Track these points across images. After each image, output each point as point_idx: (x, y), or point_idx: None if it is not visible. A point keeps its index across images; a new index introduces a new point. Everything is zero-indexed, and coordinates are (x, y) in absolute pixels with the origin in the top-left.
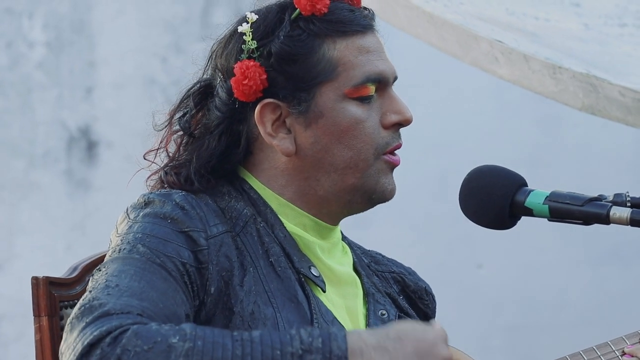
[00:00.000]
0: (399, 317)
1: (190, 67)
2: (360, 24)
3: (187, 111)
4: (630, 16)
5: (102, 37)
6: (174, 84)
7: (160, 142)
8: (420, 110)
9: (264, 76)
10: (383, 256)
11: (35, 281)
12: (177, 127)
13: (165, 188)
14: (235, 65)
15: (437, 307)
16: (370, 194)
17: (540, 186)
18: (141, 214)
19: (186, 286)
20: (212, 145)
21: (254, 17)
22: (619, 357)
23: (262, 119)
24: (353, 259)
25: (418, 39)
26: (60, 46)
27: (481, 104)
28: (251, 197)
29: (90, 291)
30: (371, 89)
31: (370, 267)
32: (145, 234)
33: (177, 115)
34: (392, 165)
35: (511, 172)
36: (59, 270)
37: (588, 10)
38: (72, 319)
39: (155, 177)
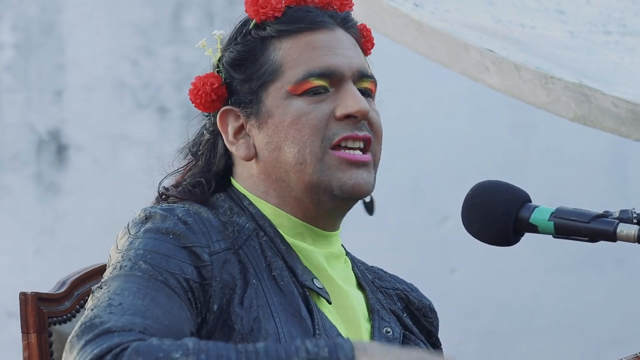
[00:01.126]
0: (404, 336)
1: (160, 70)
2: (310, 21)
3: (197, 137)
4: (614, 23)
5: (72, 40)
6: (144, 87)
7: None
8: (393, 115)
9: (217, 85)
10: (385, 272)
11: (24, 297)
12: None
13: (166, 202)
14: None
15: None
16: (330, 191)
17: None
18: (142, 229)
19: (190, 303)
20: (202, 162)
21: (220, 33)
22: None
23: (224, 128)
24: (356, 274)
25: (405, 47)
26: (29, 48)
27: (455, 109)
28: (251, 212)
29: (92, 309)
30: (316, 83)
31: (375, 283)
32: (147, 250)
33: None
34: (346, 161)
35: (515, 187)
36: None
37: (572, 17)
38: (72, 337)
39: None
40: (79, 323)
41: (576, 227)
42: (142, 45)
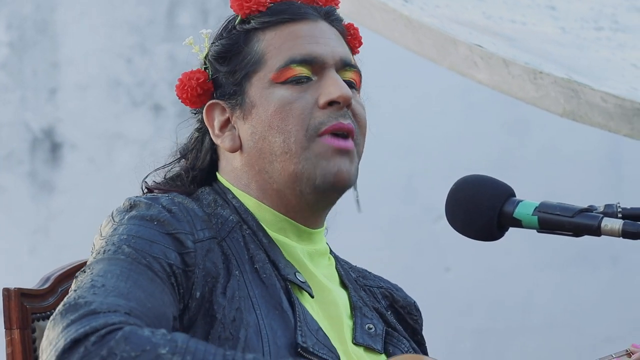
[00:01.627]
0: (387, 332)
1: (155, 68)
2: (292, 12)
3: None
4: (606, 19)
5: (66, 38)
6: (138, 85)
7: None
8: (386, 112)
9: (202, 79)
10: (370, 272)
11: (7, 293)
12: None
13: (151, 191)
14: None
15: None
16: (313, 181)
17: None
18: (126, 216)
19: (173, 288)
20: (191, 158)
21: (207, 32)
22: None
23: (210, 122)
24: (339, 271)
25: (394, 43)
26: (23, 47)
27: (448, 106)
28: (234, 205)
29: (74, 290)
30: (298, 70)
31: (358, 281)
32: (131, 235)
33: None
34: (334, 148)
35: (499, 182)
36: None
37: (564, 13)
38: (55, 315)
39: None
40: (62, 302)
41: (560, 221)
42: (136, 43)
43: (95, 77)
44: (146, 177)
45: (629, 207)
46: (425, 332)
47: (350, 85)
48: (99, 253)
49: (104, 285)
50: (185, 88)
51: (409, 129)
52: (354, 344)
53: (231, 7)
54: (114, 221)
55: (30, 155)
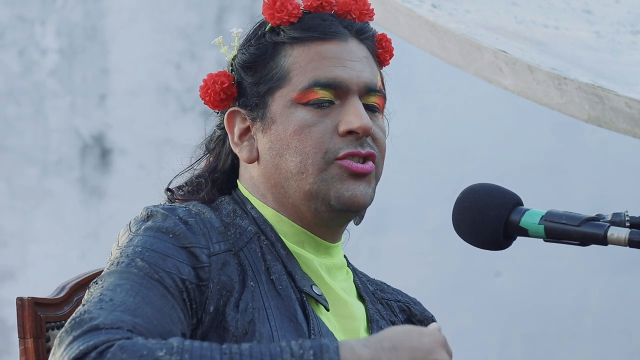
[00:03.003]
0: None
1: (204, 73)
2: (323, 31)
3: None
4: None
5: (115, 44)
6: (188, 91)
7: (195, 162)
8: (435, 117)
9: (227, 84)
10: (388, 286)
11: (20, 302)
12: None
13: (170, 201)
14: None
15: (454, 315)
16: (327, 201)
17: (556, 193)
18: (143, 227)
19: (184, 304)
20: (211, 160)
21: (238, 31)
22: None
23: (230, 128)
24: (357, 284)
25: (420, 49)
26: (73, 53)
27: (497, 110)
28: (253, 216)
29: (83, 304)
30: (321, 93)
31: (376, 294)
32: (145, 248)
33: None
34: (350, 171)
35: (506, 190)
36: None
37: (600, 17)
38: (62, 332)
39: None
40: (70, 317)
41: (566, 230)
42: (185, 49)
43: (144, 83)
44: (170, 182)
45: (637, 215)
46: (474, 337)
47: (373, 109)
48: (112, 264)
49: (111, 300)
50: (209, 92)
51: (458, 134)
52: None
53: (262, 14)
54: (131, 231)
55: (80, 161)
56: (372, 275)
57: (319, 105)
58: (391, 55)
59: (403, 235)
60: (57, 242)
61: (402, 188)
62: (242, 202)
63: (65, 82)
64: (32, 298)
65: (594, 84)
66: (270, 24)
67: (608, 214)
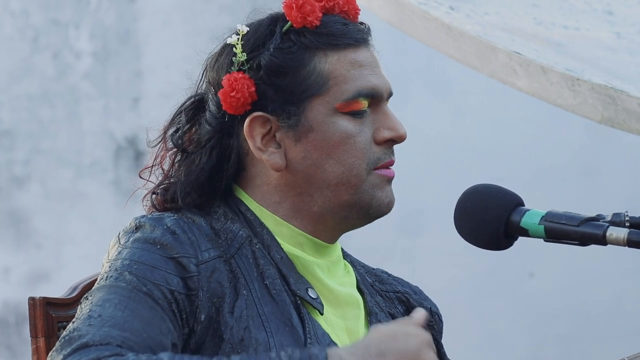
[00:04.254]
0: None
1: None
2: (353, 37)
3: (180, 127)
4: None
5: (149, 47)
6: None
7: (155, 159)
8: (470, 119)
9: (253, 89)
10: (389, 275)
11: (32, 302)
12: (171, 144)
13: (155, 209)
14: (224, 78)
15: (488, 317)
16: (366, 210)
17: (590, 194)
18: (131, 239)
19: (174, 314)
20: (203, 161)
21: (245, 29)
22: None
23: (252, 133)
24: (356, 277)
25: (437, 50)
26: (106, 56)
27: (532, 110)
28: (247, 218)
29: (73, 322)
30: (363, 103)
31: (374, 286)
32: (133, 261)
33: (171, 131)
34: (387, 178)
35: (507, 191)
36: None
37: (621, 18)
38: (53, 351)
39: (149, 197)
40: (62, 335)
41: (566, 230)
42: None
43: (177, 86)
44: (150, 193)
45: (637, 215)
46: (508, 339)
47: None
48: (102, 278)
49: (100, 315)
50: (237, 96)
51: (492, 134)
52: None
53: (288, 16)
54: (120, 243)
55: (114, 163)
56: (405, 277)
57: (358, 114)
58: None
59: (437, 237)
60: (91, 244)
61: (436, 190)
62: (235, 204)
63: (99, 85)
64: (44, 298)
65: (606, 85)
66: (289, 25)
67: (609, 214)
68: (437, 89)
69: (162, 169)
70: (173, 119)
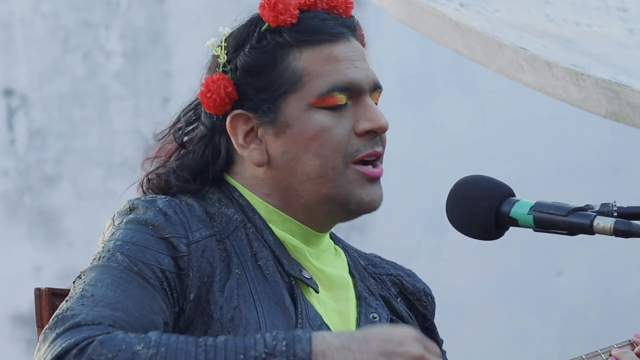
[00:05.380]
0: (391, 320)
1: None
2: (329, 32)
3: (182, 126)
4: None
5: (178, 47)
6: None
7: (158, 151)
8: (496, 116)
9: (230, 88)
10: (382, 259)
11: (38, 292)
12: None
13: (149, 192)
14: (203, 80)
15: (516, 315)
16: (346, 205)
17: (616, 192)
18: (124, 220)
19: (165, 293)
20: (196, 156)
21: (227, 31)
22: None
23: (234, 130)
24: (348, 261)
25: (445, 47)
26: (136, 56)
27: (557, 109)
28: (240, 204)
29: (66, 300)
30: (339, 98)
31: (367, 269)
32: (125, 242)
33: (175, 128)
34: (367, 177)
35: (497, 182)
36: None
37: (635, 15)
38: (46, 329)
39: (144, 181)
40: (54, 314)
41: (554, 220)
42: None
43: None
44: (144, 177)
45: (625, 205)
46: (536, 337)
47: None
48: (95, 259)
49: (92, 295)
50: (213, 97)
51: (518, 132)
52: None
53: (262, 15)
54: (114, 224)
55: None
56: (432, 276)
57: (335, 108)
58: (364, 45)
59: (463, 235)
60: None
61: None
62: (229, 191)
63: (129, 85)
64: (49, 289)
65: (610, 80)
66: (267, 25)
67: (597, 204)
68: (463, 88)
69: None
70: (179, 117)
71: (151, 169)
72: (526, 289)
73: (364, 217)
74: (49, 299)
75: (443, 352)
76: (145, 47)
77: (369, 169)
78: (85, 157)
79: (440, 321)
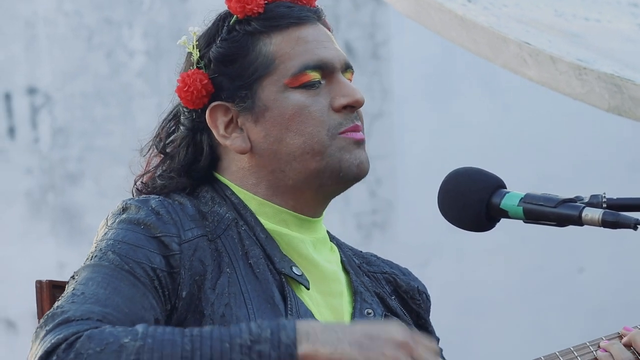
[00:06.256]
0: (386, 316)
1: None
2: (295, 16)
3: (163, 136)
4: None
5: None
6: None
7: (147, 166)
8: (519, 114)
9: (206, 81)
10: (378, 257)
11: (39, 285)
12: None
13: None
14: (179, 77)
15: (538, 313)
16: (337, 173)
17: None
18: (117, 220)
19: (156, 291)
20: (181, 158)
21: (196, 29)
22: (594, 352)
23: (214, 122)
24: (341, 258)
25: (451, 42)
26: (159, 55)
27: (580, 106)
28: (233, 202)
29: (59, 299)
30: (313, 75)
31: (362, 267)
32: (117, 241)
33: (157, 140)
34: (355, 141)
35: (488, 174)
36: None
37: None
38: (37, 327)
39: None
40: (45, 313)
41: (543, 211)
42: None
43: None
44: (137, 180)
45: (615, 197)
46: (558, 334)
47: None
48: (88, 258)
49: (83, 293)
50: (191, 90)
51: (543, 130)
52: None
53: (229, 7)
54: (107, 224)
55: None
56: (455, 273)
57: (310, 86)
58: (331, 30)
59: (485, 233)
60: None
61: None
62: (222, 190)
63: (151, 83)
64: (50, 281)
65: (612, 74)
66: (235, 17)
67: (587, 196)
68: (484, 86)
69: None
70: (159, 130)
71: (140, 180)
72: (548, 286)
73: (385, 215)
74: (49, 291)
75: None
76: (168, 45)
77: (353, 133)
78: (108, 155)
79: (462, 318)
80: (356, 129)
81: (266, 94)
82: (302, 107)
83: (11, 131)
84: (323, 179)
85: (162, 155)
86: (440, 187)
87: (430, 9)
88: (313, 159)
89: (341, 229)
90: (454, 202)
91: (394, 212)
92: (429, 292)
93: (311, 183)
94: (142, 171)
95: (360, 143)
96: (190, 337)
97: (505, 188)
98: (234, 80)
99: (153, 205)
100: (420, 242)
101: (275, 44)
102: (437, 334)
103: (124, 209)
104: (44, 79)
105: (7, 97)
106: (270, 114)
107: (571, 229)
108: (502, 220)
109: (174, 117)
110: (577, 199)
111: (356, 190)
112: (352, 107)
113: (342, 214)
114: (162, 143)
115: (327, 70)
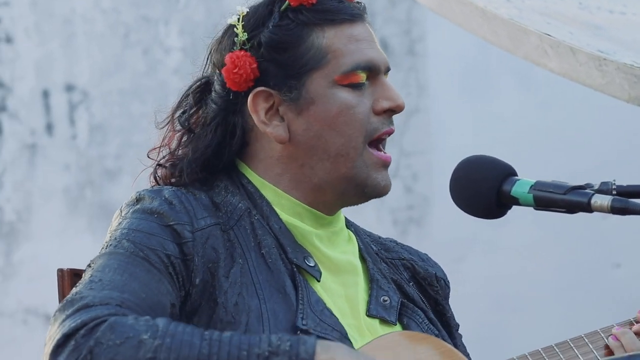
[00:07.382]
0: (402, 304)
1: None
2: (348, 13)
3: (187, 109)
4: None
5: None
6: None
7: (163, 141)
8: (554, 108)
9: (254, 65)
10: (397, 243)
11: (61, 273)
12: (179, 125)
13: (158, 184)
14: (226, 56)
15: (573, 308)
16: (362, 187)
17: None
18: (131, 210)
19: (171, 277)
20: (208, 138)
21: (245, 10)
22: (605, 339)
23: (256, 107)
24: (359, 245)
25: (473, 34)
26: (195, 52)
27: (612, 102)
28: (248, 190)
29: (76, 286)
30: (361, 76)
31: (379, 254)
32: (131, 229)
33: (178, 113)
34: (383, 162)
35: (499, 161)
36: None
37: None
38: (56, 311)
39: (159, 171)
40: (64, 298)
41: (553, 198)
42: None
43: None
44: (155, 166)
45: (625, 184)
46: (591, 329)
47: None
48: (103, 247)
49: (100, 280)
50: (240, 73)
51: (578, 125)
52: (368, 316)
53: None
54: (121, 214)
55: None
56: (488, 268)
57: (357, 86)
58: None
59: (520, 227)
60: None
61: None
62: (238, 178)
63: (188, 80)
64: (71, 269)
65: (632, 65)
66: (287, 3)
67: (597, 183)
68: (521, 80)
69: (170, 149)
70: (180, 101)
71: (159, 158)
72: (583, 282)
73: (421, 210)
74: (71, 280)
75: (459, 336)
76: (204, 42)
77: (382, 154)
78: (145, 151)
79: (495, 313)
80: (390, 132)
81: (314, 87)
82: (349, 106)
83: (49, 128)
84: (348, 186)
85: (181, 131)
86: (452, 175)
87: (452, 2)
88: (345, 164)
89: (377, 224)
90: (465, 189)
91: (429, 208)
92: (464, 287)
93: (336, 187)
94: (158, 144)
95: (387, 165)
96: (209, 340)
97: (516, 175)
98: (283, 68)
99: (166, 195)
100: (456, 237)
101: (329, 38)
102: (472, 328)
103: (138, 200)
104: (81, 76)
105: (45, 94)
106: (315, 108)
107: (608, 224)
108: (538, 215)
109: (200, 91)
110: (587, 185)
111: (392, 187)
112: (392, 112)
113: (378, 210)
114: (186, 116)
115: (373, 71)
